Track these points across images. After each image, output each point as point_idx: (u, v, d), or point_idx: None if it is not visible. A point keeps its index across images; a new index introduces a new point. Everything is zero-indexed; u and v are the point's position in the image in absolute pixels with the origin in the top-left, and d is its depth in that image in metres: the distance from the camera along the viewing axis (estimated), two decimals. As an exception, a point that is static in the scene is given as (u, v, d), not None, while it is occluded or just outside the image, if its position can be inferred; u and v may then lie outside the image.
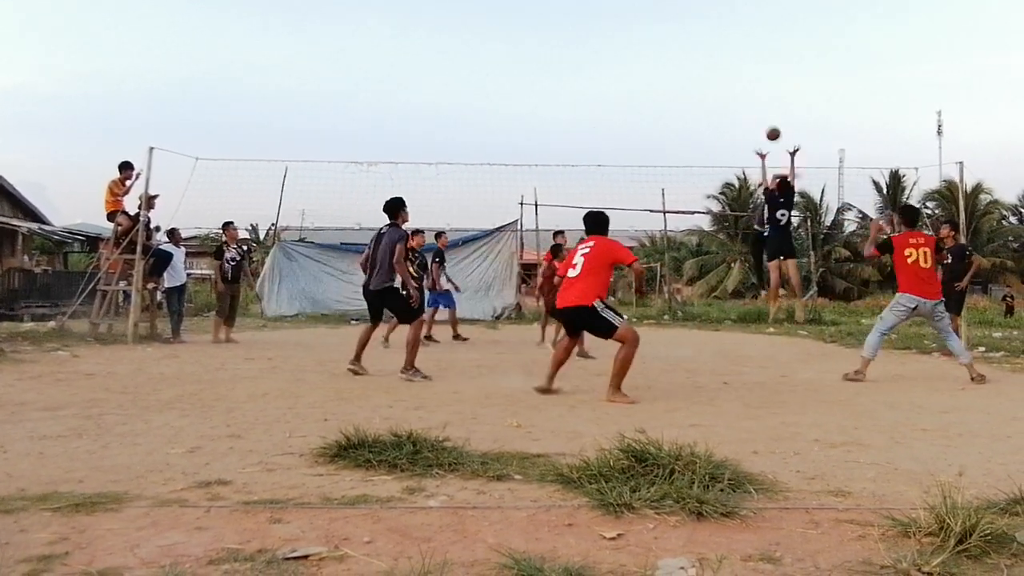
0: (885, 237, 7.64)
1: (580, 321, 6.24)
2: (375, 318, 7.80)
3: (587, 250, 6.29)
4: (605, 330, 6.08)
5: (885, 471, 3.64)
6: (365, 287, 7.70)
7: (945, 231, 10.70)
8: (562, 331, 8.06)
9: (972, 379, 7.17)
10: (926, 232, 9.27)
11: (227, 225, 12.09)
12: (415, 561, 2.33)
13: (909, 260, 7.28)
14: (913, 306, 7.31)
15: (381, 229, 7.67)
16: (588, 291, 6.09)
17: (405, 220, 7.68)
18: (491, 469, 3.47)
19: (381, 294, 7.50)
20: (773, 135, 9.39)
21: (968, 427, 4.90)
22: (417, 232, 11.95)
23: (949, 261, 10.17)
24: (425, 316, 11.41)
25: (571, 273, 6.26)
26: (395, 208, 7.62)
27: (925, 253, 7.28)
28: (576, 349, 7.15)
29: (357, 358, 7.54)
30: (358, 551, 2.45)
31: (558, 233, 11.36)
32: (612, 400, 5.84)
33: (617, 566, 2.35)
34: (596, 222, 6.60)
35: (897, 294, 7.50)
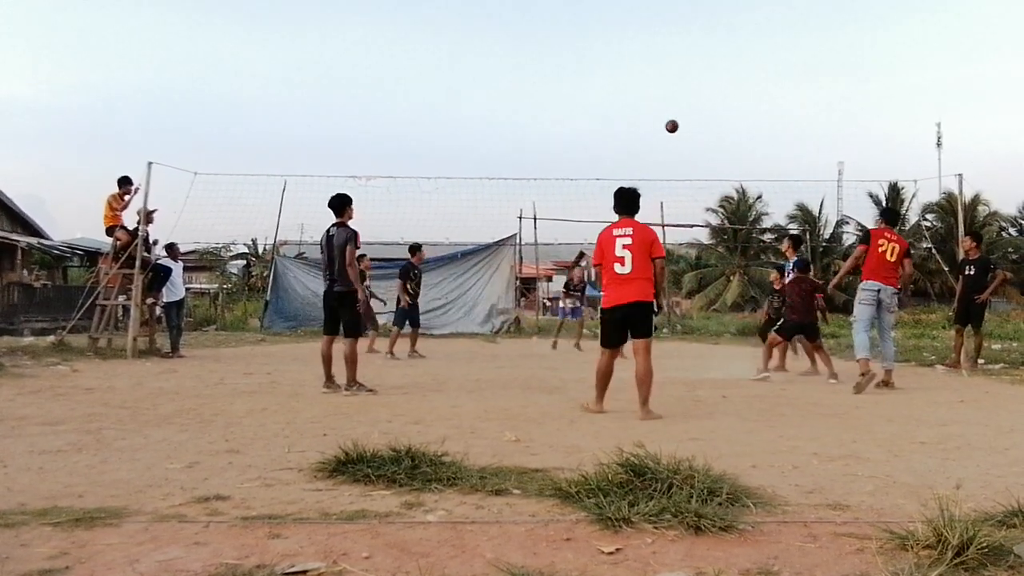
0: (865, 231, 7.99)
1: (639, 318, 5.73)
2: (332, 327, 7.35)
3: (628, 240, 5.68)
4: (648, 333, 5.77)
5: (883, 484, 3.65)
6: (327, 291, 7.31)
7: (967, 243, 10.50)
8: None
9: (857, 382, 7.31)
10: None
11: (416, 249, 12.13)
12: (414, 576, 2.34)
13: (880, 249, 7.66)
14: (877, 290, 7.60)
15: (329, 229, 7.26)
16: (649, 286, 5.74)
17: (350, 218, 7.29)
18: (489, 484, 3.47)
19: (342, 298, 7.15)
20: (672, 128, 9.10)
21: (966, 440, 4.90)
22: (417, 248, 11.94)
23: (972, 273, 10.08)
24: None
25: (621, 270, 5.68)
26: (342, 205, 7.23)
27: (894, 248, 7.69)
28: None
29: (328, 378, 7.26)
30: (356, 566, 2.45)
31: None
32: (649, 418, 5.56)
33: (615, 580, 2.35)
34: (631, 201, 5.88)
35: (861, 283, 7.78)
